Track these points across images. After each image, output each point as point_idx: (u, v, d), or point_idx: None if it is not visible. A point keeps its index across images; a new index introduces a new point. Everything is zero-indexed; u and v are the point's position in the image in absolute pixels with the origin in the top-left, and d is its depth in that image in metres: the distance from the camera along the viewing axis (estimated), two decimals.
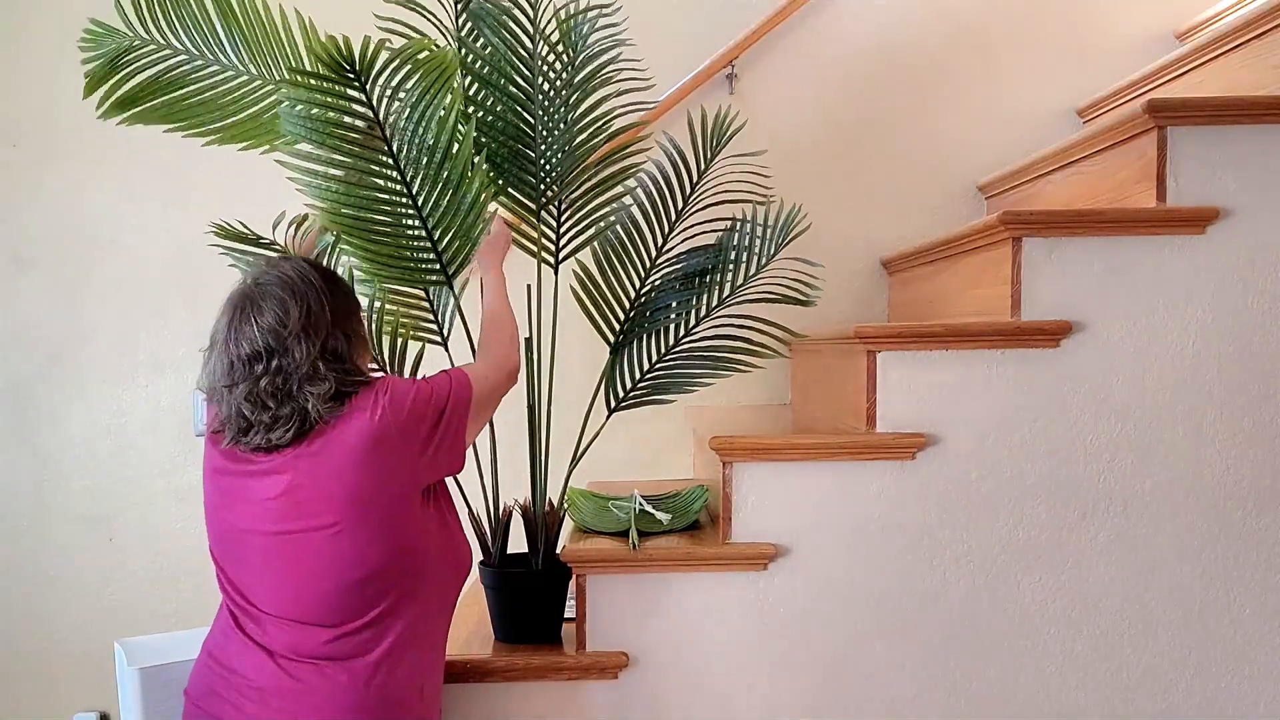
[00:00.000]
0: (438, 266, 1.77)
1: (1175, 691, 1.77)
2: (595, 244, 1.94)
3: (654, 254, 1.94)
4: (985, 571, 1.77)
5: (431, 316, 1.91)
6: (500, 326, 1.71)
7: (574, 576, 1.79)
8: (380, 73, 1.63)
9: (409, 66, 1.64)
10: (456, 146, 1.69)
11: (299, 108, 1.65)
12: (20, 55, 2.67)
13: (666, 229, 1.94)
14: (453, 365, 1.83)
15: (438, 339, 1.90)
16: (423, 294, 1.92)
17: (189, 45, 1.84)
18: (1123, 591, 1.77)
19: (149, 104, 1.85)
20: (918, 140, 2.62)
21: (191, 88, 1.85)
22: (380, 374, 1.56)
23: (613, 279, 1.94)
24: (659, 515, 1.93)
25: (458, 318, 1.88)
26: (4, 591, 2.69)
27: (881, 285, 2.64)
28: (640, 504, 1.99)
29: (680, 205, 1.93)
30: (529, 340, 1.87)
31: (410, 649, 1.47)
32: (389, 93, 1.66)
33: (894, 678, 1.78)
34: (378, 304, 1.79)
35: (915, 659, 1.78)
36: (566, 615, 1.87)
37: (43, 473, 2.69)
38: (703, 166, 1.91)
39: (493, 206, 1.81)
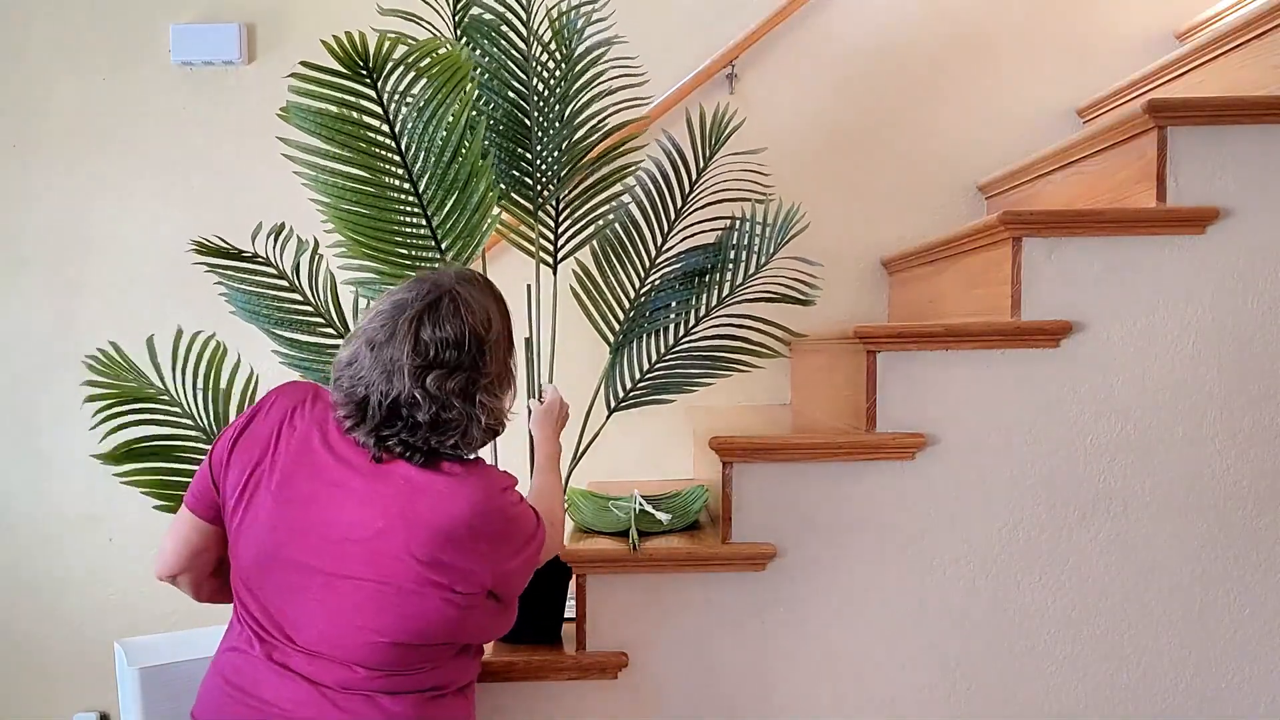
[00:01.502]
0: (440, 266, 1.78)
1: (1175, 691, 1.77)
2: (594, 243, 1.94)
3: (653, 253, 1.94)
4: (985, 571, 1.77)
5: None
6: (560, 513, 1.64)
7: (574, 576, 1.79)
8: (393, 71, 1.64)
9: (422, 65, 1.65)
10: (465, 146, 1.69)
11: (309, 101, 1.66)
12: (21, 55, 2.67)
13: (666, 228, 1.94)
14: None
15: None
16: None
17: None
18: (1122, 591, 1.77)
19: None
20: (918, 140, 2.62)
21: None
22: None
23: (612, 278, 1.94)
24: (659, 515, 1.93)
25: None
26: (4, 591, 2.69)
27: (881, 285, 2.64)
28: (640, 504, 1.99)
29: (679, 204, 1.93)
30: (529, 340, 1.87)
31: (464, 689, 1.45)
32: (400, 91, 1.67)
33: (894, 678, 1.78)
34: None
35: (915, 659, 1.78)
36: (567, 615, 1.87)
37: (43, 473, 2.69)
38: (702, 165, 1.91)
39: (548, 386, 1.78)
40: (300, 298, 1.81)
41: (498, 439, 1.79)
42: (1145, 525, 1.77)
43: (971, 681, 1.78)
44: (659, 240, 1.94)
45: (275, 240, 1.80)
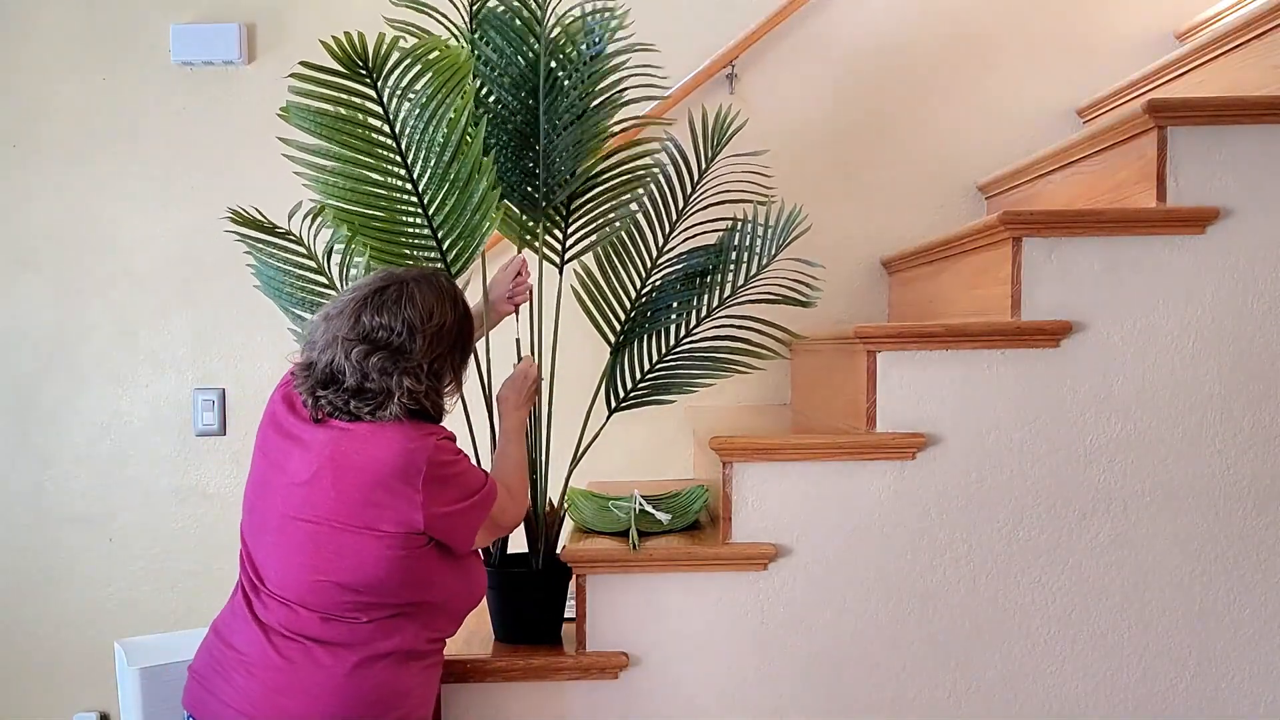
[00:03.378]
0: (441, 265, 1.78)
1: (1175, 691, 1.77)
2: (597, 251, 1.93)
3: (655, 254, 1.94)
4: (985, 571, 1.77)
5: None
6: (524, 479, 1.73)
7: (574, 576, 1.79)
8: (392, 70, 1.64)
9: (421, 65, 1.65)
10: (466, 145, 1.69)
11: (308, 101, 1.66)
12: (21, 55, 2.67)
13: (667, 229, 1.94)
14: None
15: None
16: None
17: None
18: (1122, 591, 1.77)
19: None
20: (918, 140, 2.62)
21: None
22: None
23: (614, 279, 1.93)
24: (659, 515, 1.93)
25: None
26: (4, 591, 2.69)
27: (881, 285, 2.64)
28: (640, 504, 1.99)
29: (681, 205, 1.93)
30: (518, 340, 1.87)
31: (405, 658, 1.49)
32: (400, 91, 1.67)
33: (894, 678, 1.78)
34: None
35: (915, 659, 1.78)
36: (567, 615, 1.87)
37: (43, 473, 2.69)
38: (703, 166, 1.91)
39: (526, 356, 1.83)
40: (326, 281, 1.83)
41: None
42: (1145, 525, 1.77)
43: (971, 681, 1.78)
44: (661, 241, 1.93)
45: (311, 222, 1.82)
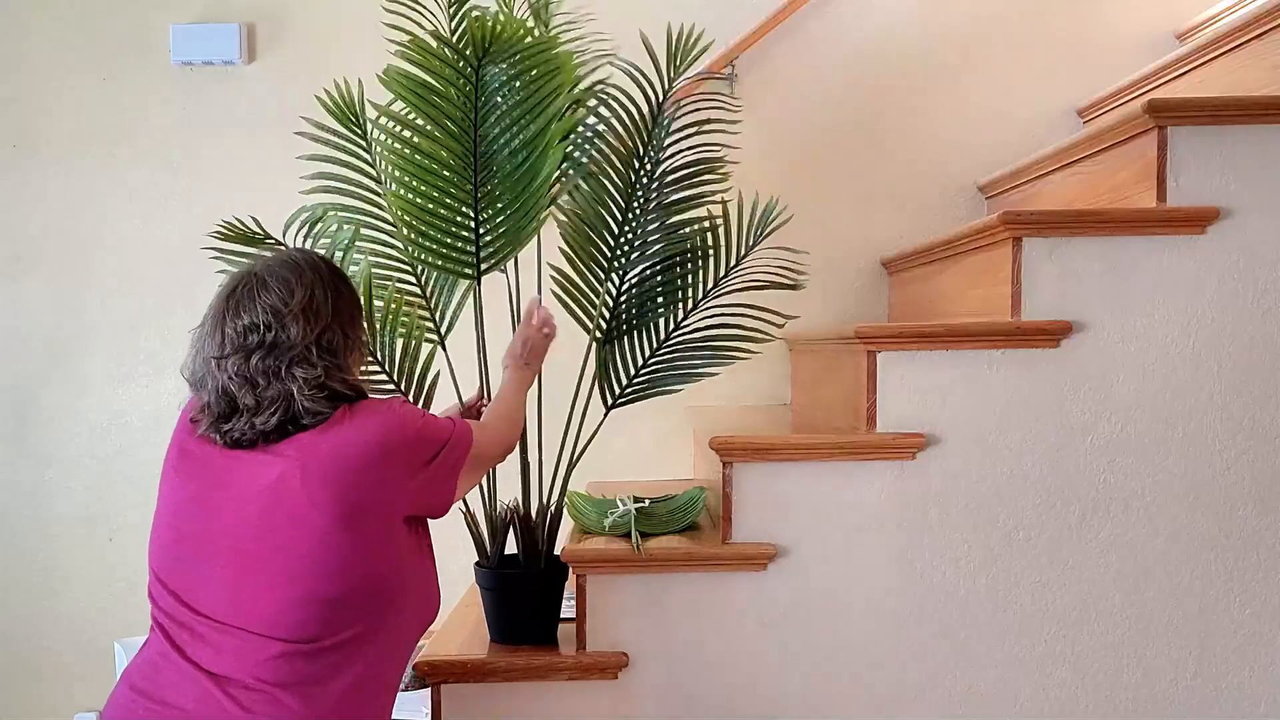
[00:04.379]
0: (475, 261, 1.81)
1: (1175, 691, 1.77)
2: (566, 242, 1.90)
3: (626, 244, 1.90)
4: (985, 571, 1.77)
5: (429, 316, 1.91)
6: (513, 410, 1.70)
7: (574, 577, 1.79)
8: (490, 61, 1.66)
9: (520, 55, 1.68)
10: (544, 141, 1.71)
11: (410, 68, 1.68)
12: (21, 55, 2.67)
13: (634, 216, 1.90)
14: (450, 366, 1.85)
15: (434, 338, 1.89)
16: (420, 294, 1.91)
17: None
18: (1123, 592, 1.77)
19: None
20: (918, 140, 2.62)
21: None
22: (381, 377, 1.53)
23: (590, 276, 1.90)
24: (658, 515, 1.93)
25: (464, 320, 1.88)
26: (4, 591, 2.69)
27: (881, 285, 2.64)
28: (639, 505, 1.99)
29: (645, 192, 1.89)
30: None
31: (371, 691, 1.37)
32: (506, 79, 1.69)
33: (894, 678, 1.78)
34: (391, 307, 1.79)
35: (915, 659, 1.78)
36: (564, 615, 1.87)
37: (43, 473, 2.69)
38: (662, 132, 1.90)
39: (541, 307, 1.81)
40: None
41: None
42: (1145, 525, 1.76)
43: (971, 681, 1.78)
44: (629, 231, 1.89)
45: (309, 231, 1.78)
